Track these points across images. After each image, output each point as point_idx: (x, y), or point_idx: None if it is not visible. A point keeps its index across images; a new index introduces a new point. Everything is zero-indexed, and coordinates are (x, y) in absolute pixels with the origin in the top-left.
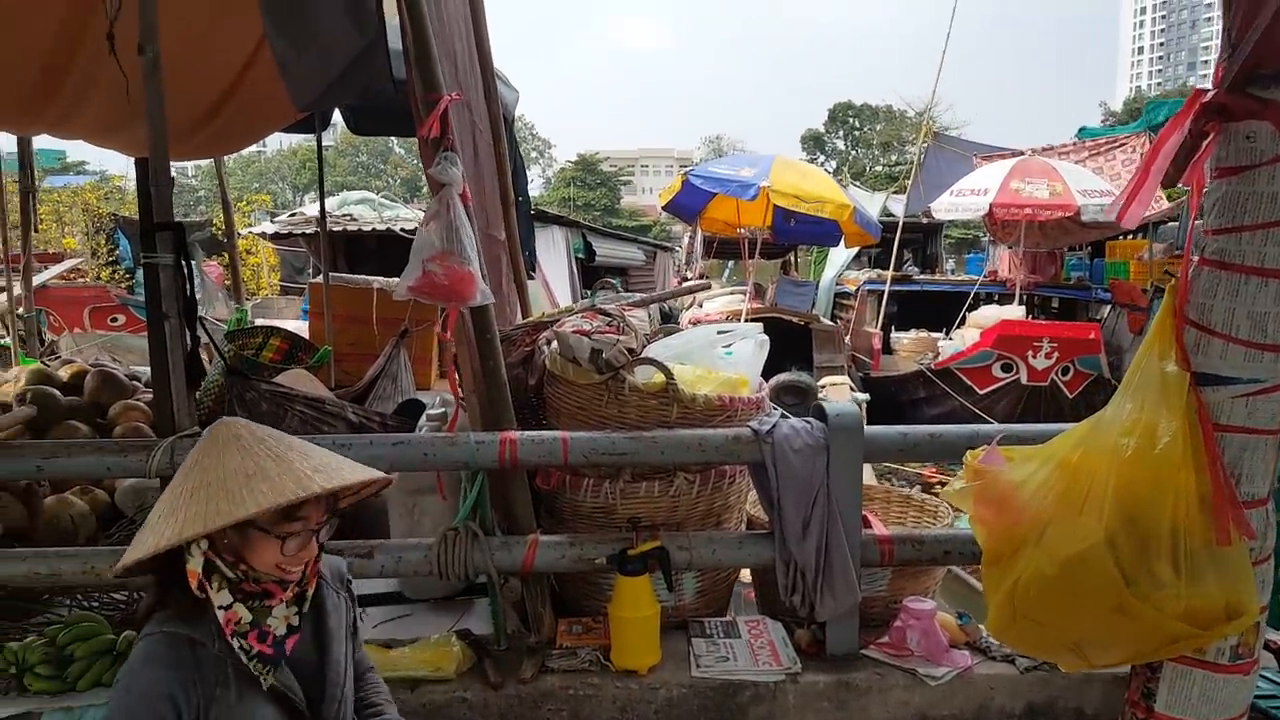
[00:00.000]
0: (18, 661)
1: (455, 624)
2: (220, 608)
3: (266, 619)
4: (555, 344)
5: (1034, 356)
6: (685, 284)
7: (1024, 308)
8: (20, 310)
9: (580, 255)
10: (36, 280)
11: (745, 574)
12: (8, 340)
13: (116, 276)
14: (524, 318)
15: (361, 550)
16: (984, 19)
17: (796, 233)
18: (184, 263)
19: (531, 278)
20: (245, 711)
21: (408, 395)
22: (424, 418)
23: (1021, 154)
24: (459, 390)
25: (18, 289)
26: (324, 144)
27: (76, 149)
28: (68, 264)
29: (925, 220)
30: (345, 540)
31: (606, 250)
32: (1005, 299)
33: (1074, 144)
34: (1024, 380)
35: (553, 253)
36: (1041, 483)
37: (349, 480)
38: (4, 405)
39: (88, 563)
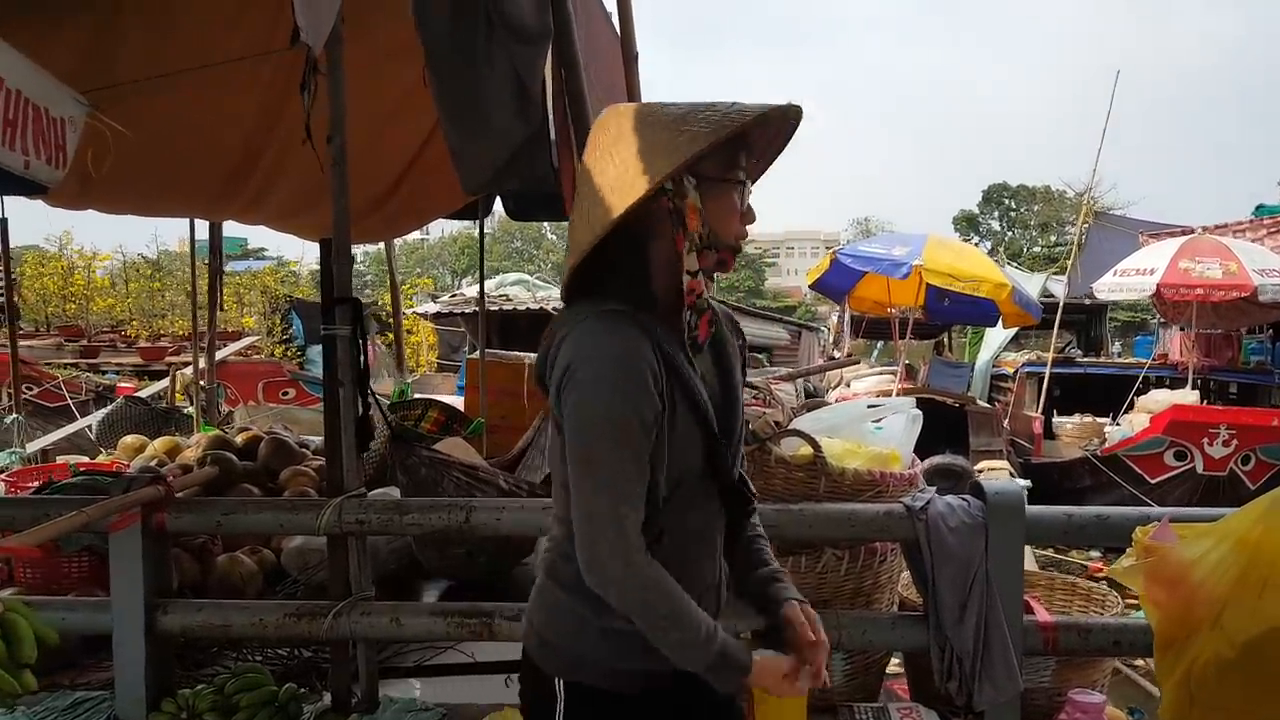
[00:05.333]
0: (189, 707)
1: None
2: (689, 273)
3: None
4: None
5: (1210, 444)
6: (831, 361)
7: (1198, 393)
8: (203, 382)
9: None
10: (218, 356)
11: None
12: (191, 409)
13: (289, 353)
14: None
15: (510, 613)
16: (1147, 97)
17: (951, 312)
18: (359, 335)
19: None
20: (676, 410)
21: None
22: None
23: (1191, 232)
24: None
25: (202, 363)
26: (483, 230)
27: (256, 237)
28: (245, 341)
29: (1088, 301)
30: (494, 602)
31: (751, 329)
32: (1177, 383)
33: (1250, 221)
34: (1200, 469)
35: None
36: (1217, 561)
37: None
38: (186, 467)
39: (256, 615)
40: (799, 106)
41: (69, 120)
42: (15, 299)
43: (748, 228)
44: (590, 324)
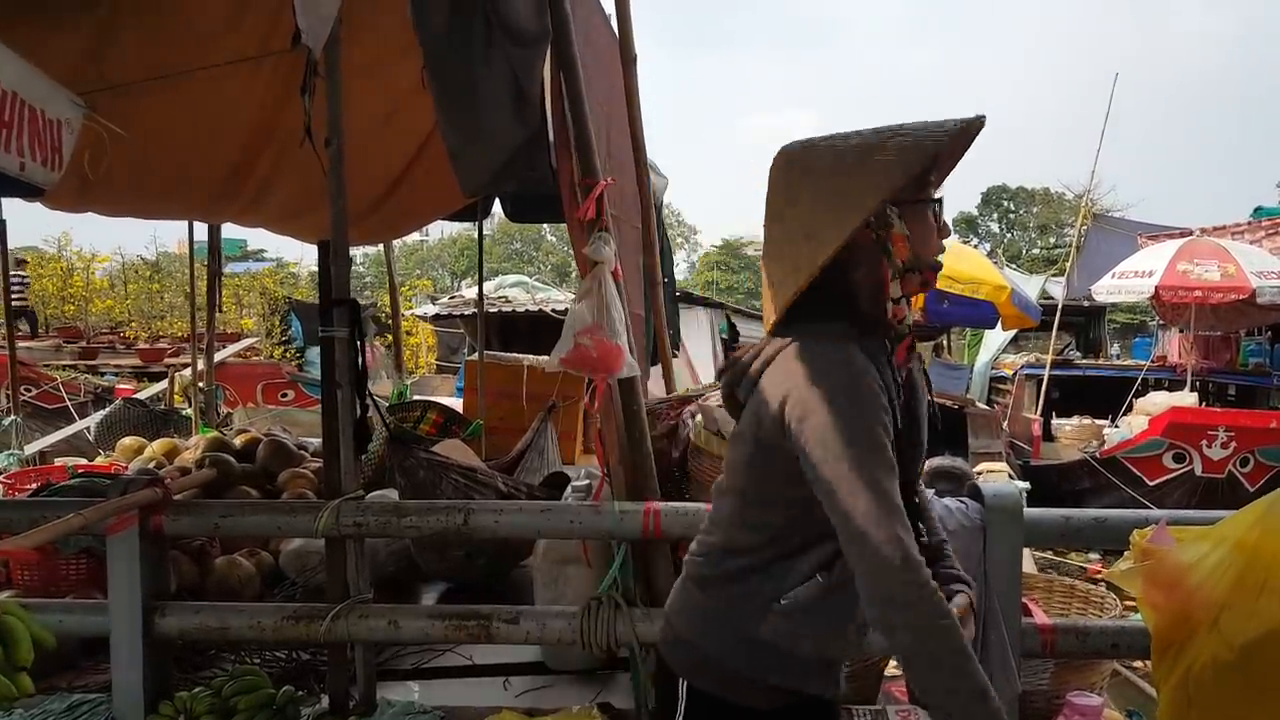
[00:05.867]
0: (186, 710)
1: (596, 697)
2: (893, 300)
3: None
4: (700, 417)
5: (1209, 446)
6: None
7: (1197, 395)
8: (202, 384)
9: (724, 335)
10: (217, 358)
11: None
12: (190, 411)
13: (288, 355)
14: (668, 393)
15: (508, 615)
16: (1146, 98)
17: (950, 314)
18: (356, 337)
19: (675, 355)
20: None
21: (554, 468)
22: (569, 489)
23: (1190, 234)
24: (605, 461)
25: (201, 364)
26: (482, 232)
27: (256, 238)
28: (245, 343)
29: (1087, 303)
30: (492, 605)
31: (750, 330)
32: (1175, 385)
33: (1248, 223)
34: (1198, 471)
35: (697, 333)
36: (1215, 564)
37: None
38: (185, 469)
39: (254, 617)
40: (983, 117)
41: (65, 122)
42: (16, 301)
43: (943, 241)
44: (814, 343)
